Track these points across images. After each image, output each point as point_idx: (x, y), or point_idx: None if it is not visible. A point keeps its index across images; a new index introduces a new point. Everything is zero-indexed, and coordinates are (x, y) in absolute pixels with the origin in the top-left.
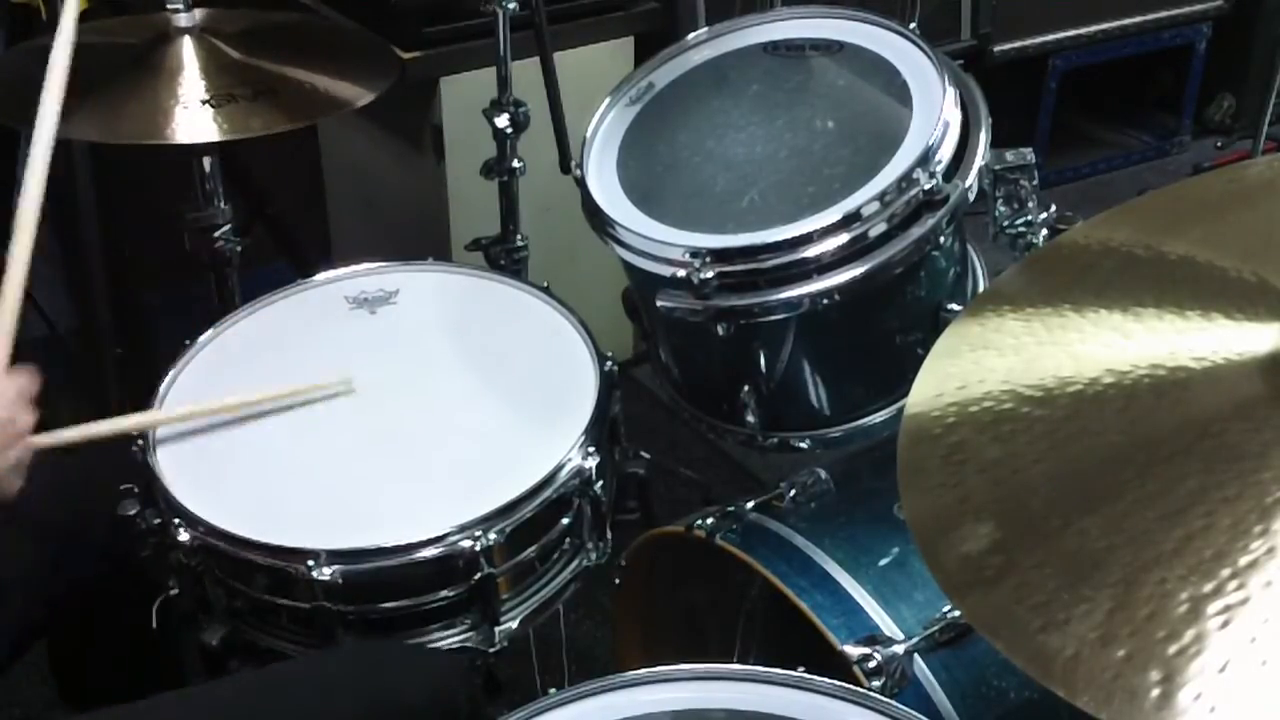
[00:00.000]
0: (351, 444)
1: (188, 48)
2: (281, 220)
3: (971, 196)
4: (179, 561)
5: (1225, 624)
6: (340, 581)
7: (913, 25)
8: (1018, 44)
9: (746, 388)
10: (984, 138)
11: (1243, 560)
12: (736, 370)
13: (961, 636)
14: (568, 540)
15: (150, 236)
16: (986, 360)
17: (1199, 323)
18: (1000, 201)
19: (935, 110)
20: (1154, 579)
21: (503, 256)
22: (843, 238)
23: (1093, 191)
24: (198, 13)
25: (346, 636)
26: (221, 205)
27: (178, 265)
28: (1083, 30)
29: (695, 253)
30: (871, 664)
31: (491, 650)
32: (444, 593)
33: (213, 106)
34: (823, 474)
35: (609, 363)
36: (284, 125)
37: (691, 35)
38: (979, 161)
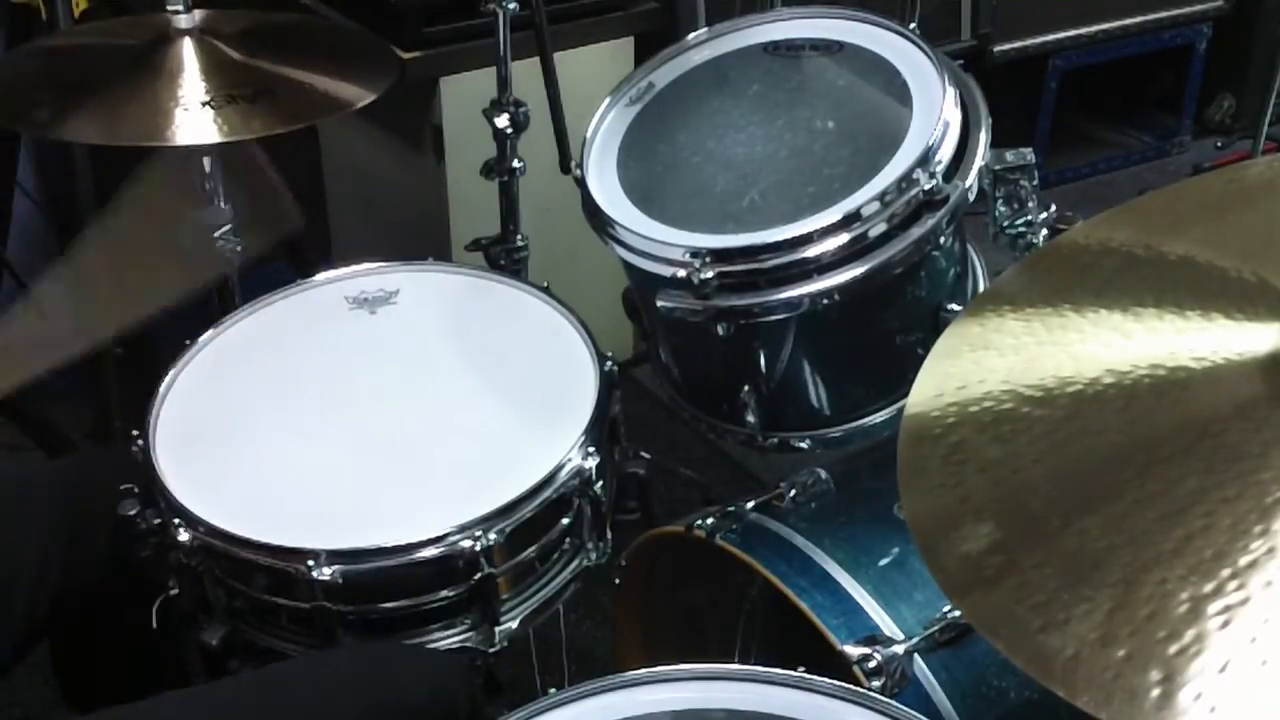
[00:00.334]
0: (351, 444)
1: (188, 49)
2: None
3: (971, 196)
4: (179, 561)
5: (1225, 624)
6: (340, 581)
7: (913, 25)
8: (1018, 44)
9: (746, 388)
10: (984, 138)
11: (1243, 560)
12: (736, 370)
13: (961, 636)
14: (568, 540)
15: None
16: (986, 360)
17: (1199, 323)
18: (1000, 201)
19: (935, 110)
20: (1154, 579)
21: (503, 256)
22: (843, 238)
23: (1093, 191)
24: (198, 13)
25: (346, 636)
26: (222, 205)
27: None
28: (1083, 30)
29: (695, 253)
30: (871, 664)
31: (491, 650)
32: (444, 593)
33: (213, 108)
34: (823, 474)
35: (609, 363)
36: (284, 126)
37: (691, 35)
38: (979, 161)
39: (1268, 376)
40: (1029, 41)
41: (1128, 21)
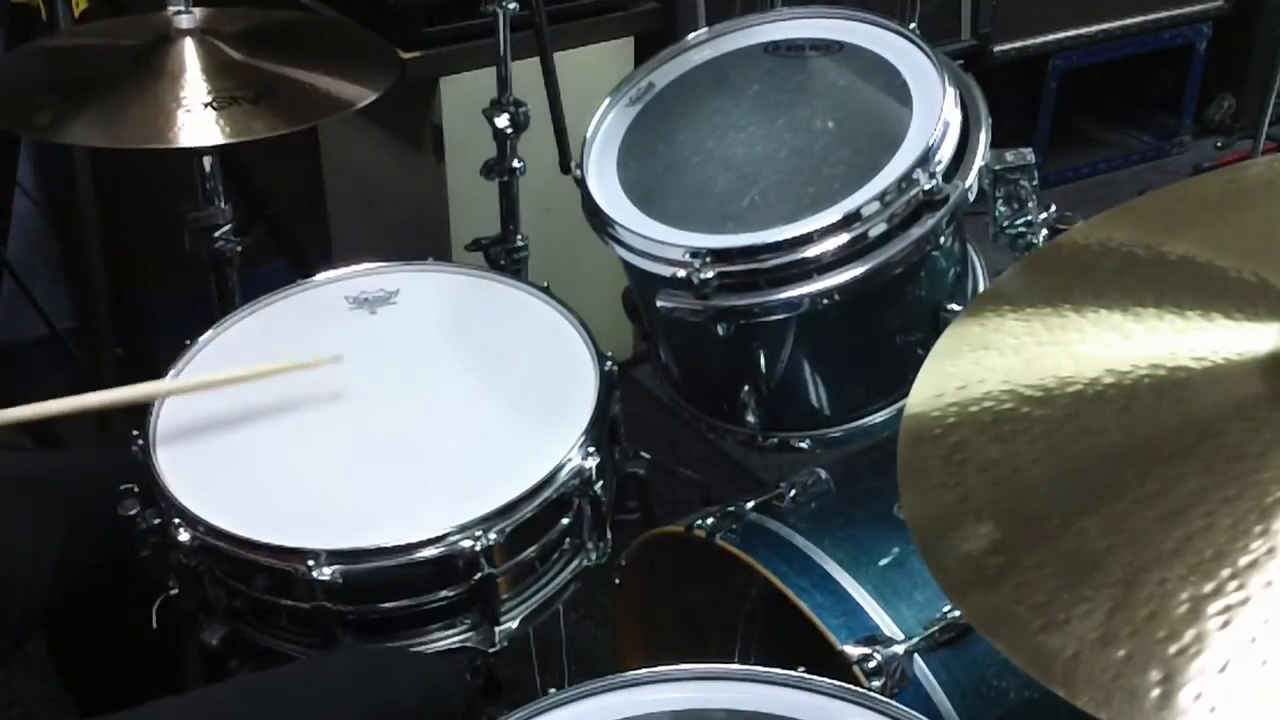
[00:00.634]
0: (351, 444)
1: (189, 49)
2: (281, 220)
3: (971, 196)
4: (179, 561)
5: (1225, 624)
6: (340, 581)
7: (913, 25)
8: (1018, 44)
9: (746, 388)
10: (984, 138)
11: (1243, 560)
12: (736, 370)
13: (961, 636)
14: (568, 540)
15: (150, 236)
16: (986, 360)
17: (1199, 323)
18: (1000, 201)
19: (935, 110)
20: (1154, 579)
21: (503, 256)
22: (843, 238)
23: (1093, 191)
24: (198, 13)
25: (346, 636)
26: (222, 205)
27: (178, 265)
28: (1083, 30)
29: (695, 253)
30: (871, 664)
31: (491, 650)
32: (444, 593)
33: (215, 109)
34: (823, 474)
35: (609, 363)
36: (285, 127)
37: (691, 35)
38: (979, 161)
39: (1268, 376)
40: (1029, 41)
41: (1128, 21)
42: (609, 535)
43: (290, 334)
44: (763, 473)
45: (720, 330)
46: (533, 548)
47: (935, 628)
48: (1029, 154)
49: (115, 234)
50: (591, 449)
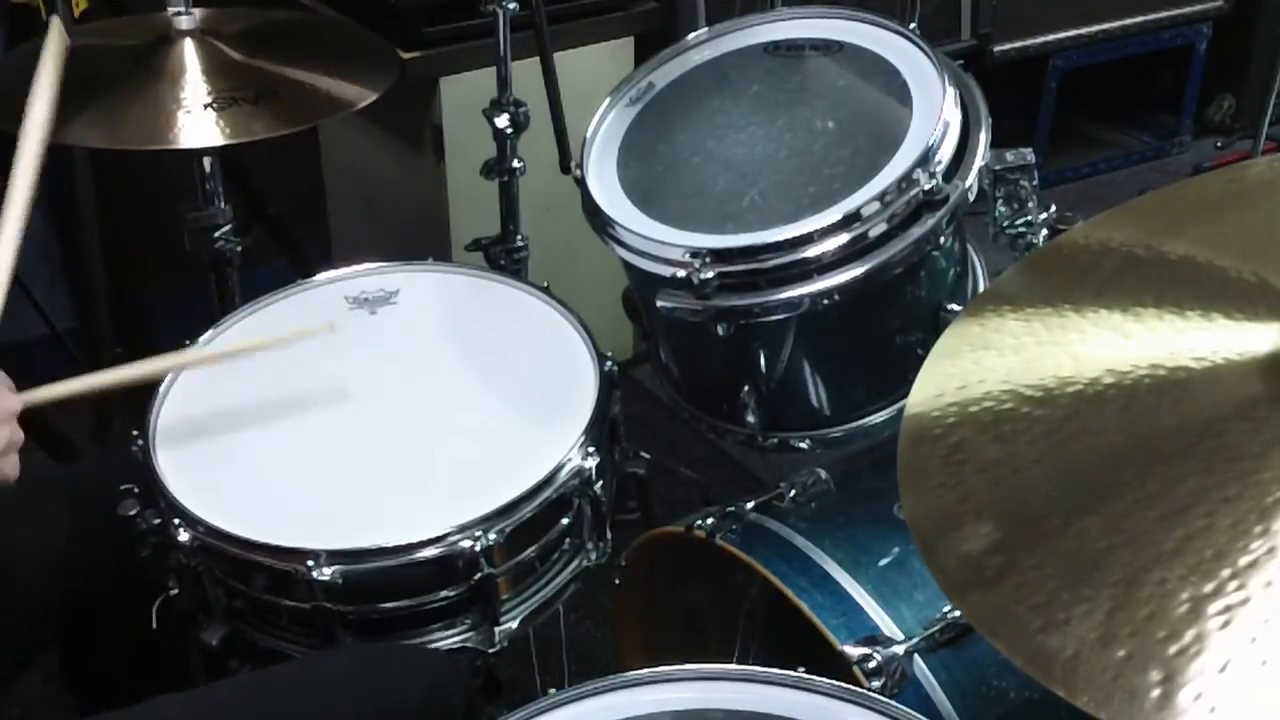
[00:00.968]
0: (351, 444)
1: (189, 49)
2: (281, 220)
3: (971, 196)
4: (179, 561)
5: (1225, 624)
6: (340, 581)
7: (913, 25)
8: (1018, 44)
9: (746, 388)
10: (984, 138)
11: (1243, 560)
12: (736, 370)
13: (961, 636)
14: (568, 540)
15: (150, 236)
16: (986, 360)
17: (1199, 323)
18: (1000, 201)
19: (935, 110)
20: (1154, 579)
21: (503, 256)
22: (843, 238)
23: (1093, 191)
24: (198, 13)
25: (346, 636)
26: (221, 205)
27: (178, 265)
28: (1083, 30)
29: (695, 253)
30: (871, 664)
31: (491, 650)
32: (444, 593)
33: (215, 110)
34: (823, 474)
35: (609, 363)
36: (285, 128)
37: (691, 35)
38: (979, 161)
39: (1268, 376)
40: (1029, 41)
41: (1128, 21)
42: (609, 535)
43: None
44: (763, 473)
45: (720, 330)
46: (533, 548)
47: (935, 628)
48: (1029, 154)
49: (115, 234)
50: (591, 449)
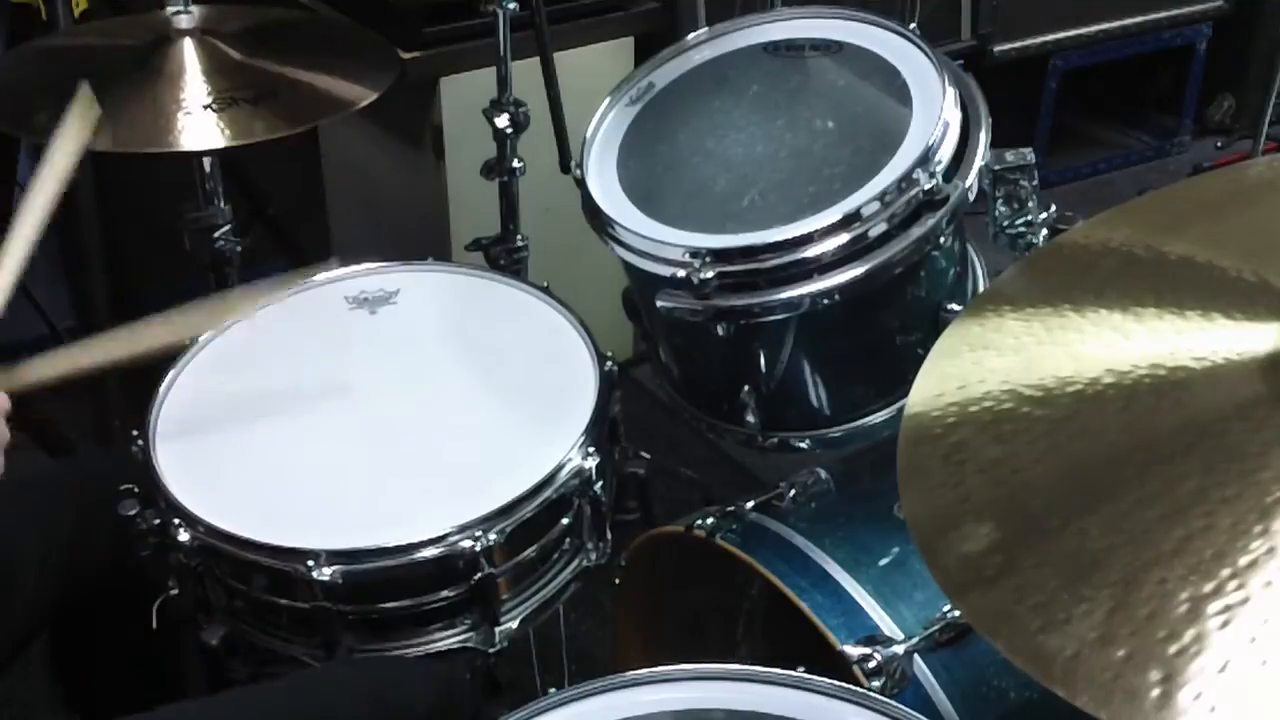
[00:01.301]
0: (351, 444)
1: (189, 50)
2: (281, 220)
3: (971, 196)
4: (179, 561)
5: (1225, 624)
6: (340, 581)
7: (913, 25)
8: (1018, 44)
9: (746, 388)
10: (984, 138)
11: (1243, 560)
12: (736, 370)
13: (961, 636)
14: (568, 540)
15: (150, 236)
16: (986, 360)
17: (1199, 323)
18: (1000, 201)
19: (935, 110)
20: (1154, 579)
21: (503, 256)
22: (843, 238)
23: (1093, 191)
24: (198, 13)
25: (346, 636)
26: (221, 205)
27: (178, 265)
28: (1083, 30)
29: (695, 253)
30: (871, 664)
31: (491, 650)
32: (444, 593)
33: (215, 111)
34: (823, 474)
35: (609, 363)
36: (285, 128)
37: (691, 35)
38: (979, 161)
39: (1268, 376)
40: (1029, 41)
41: (1128, 21)
42: (609, 535)
43: (290, 334)
44: (763, 473)
45: (720, 330)
46: (533, 548)
47: (935, 628)
48: (1029, 154)
49: (115, 234)
50: (591, 449)
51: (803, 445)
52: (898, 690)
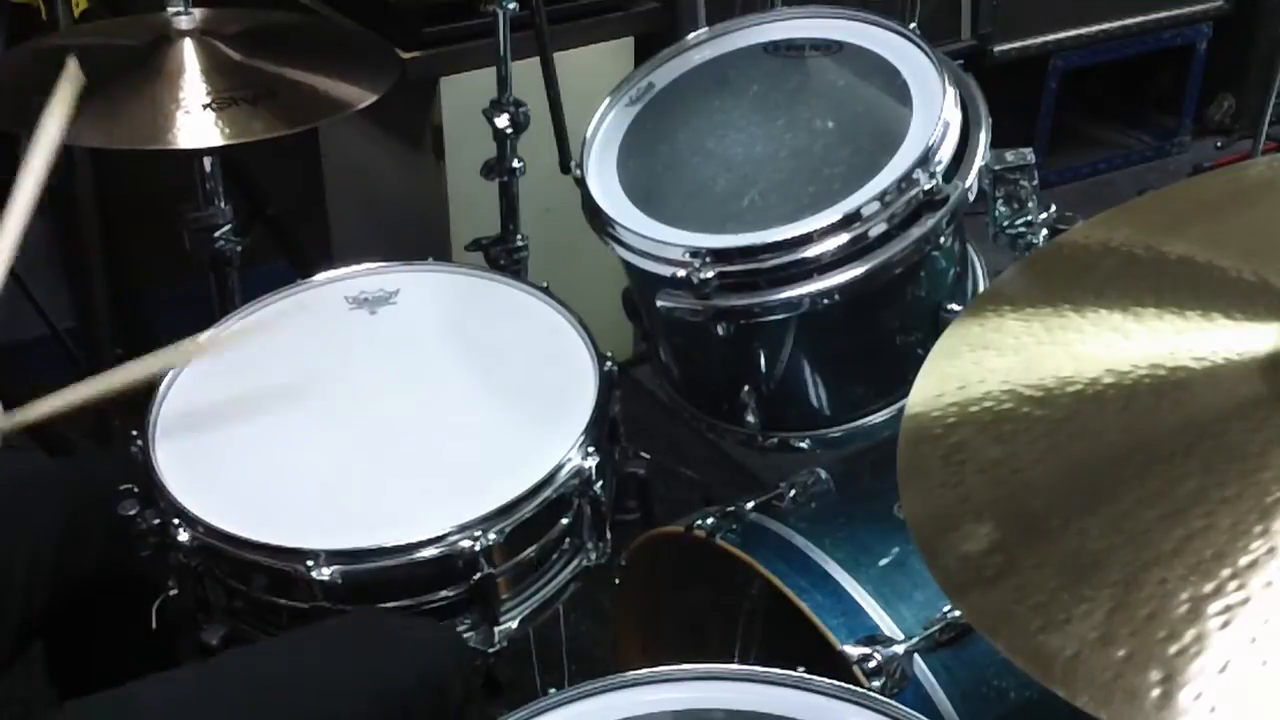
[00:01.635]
0: (351, 444)
1: (188, 50)
2: (281, 220)
3: (971, 196)
4: (179, 561)
5: (1225, 624)
6: (340, 581)
7: (913, 25)
8: (1018, 44)
9: (746, 388)
10: (984, 138)
11: (1243, 560)
12: (736, 370)
13: (961, 636)
14: (568, 540)
15: (150, 236)
16: (986, 360)
17: (1199, 323)
18: (1000, 201)
19: (935, 110)
20: (1154, 579)
21: (503, 256)
22: (843, 238)
23: (1093, 191)
24: (198, 14)
25: None
26: (222, 205)
27: (178, 265)
28: (1083, 30)
29: (695, 253)
30: (871, 664)
31: (491, 650)
32: (444, 593)
33: (214, 110)
34: (823, 474)
35: (609, 363)
36: (285, 128)
37: (691, 35)
38: (979, 161)
39: (1268, 376)
40: (1029, 41)
41: (1128, 21)
42: (609, 535)
43: (290, 334)
44: (763, 473)
45: (720, 330)
46: (532, 548)
47: (935, 628)
48: (1029, 154)
49: (115, 234)
50: (591, 449)
51: (803, 445)
52: (898, 690)
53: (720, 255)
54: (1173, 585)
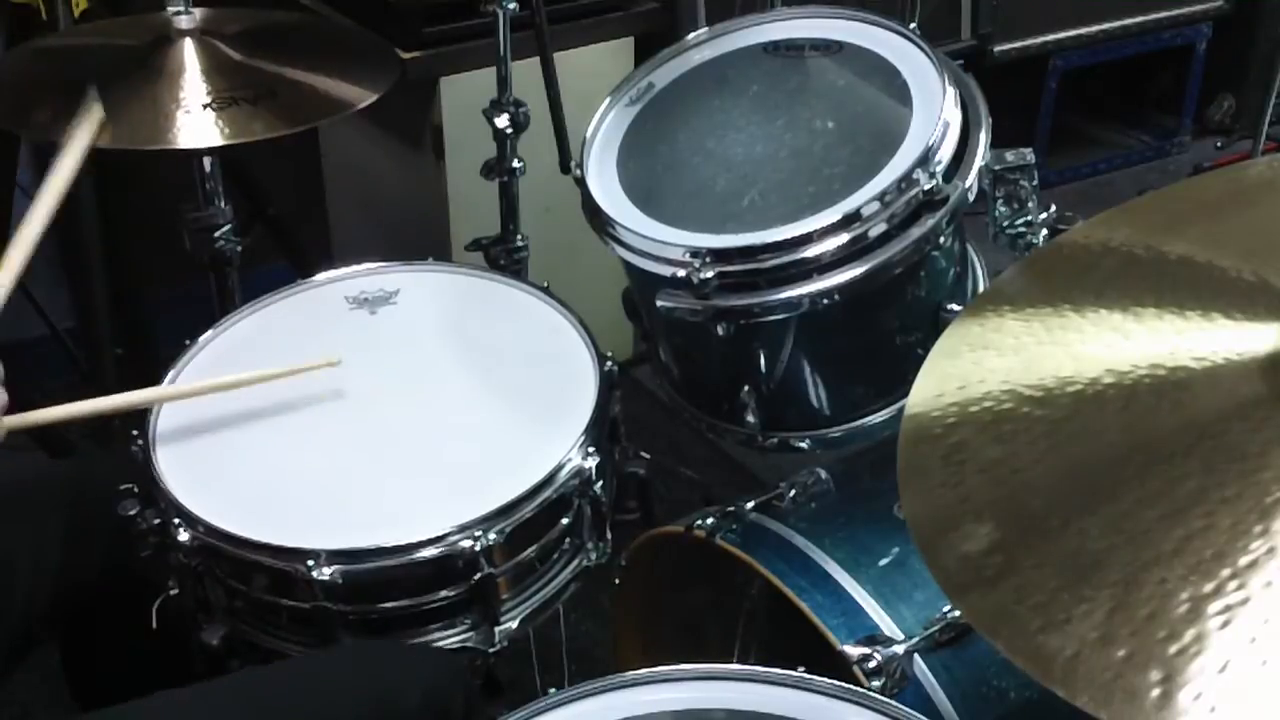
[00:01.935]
0: (351, 444)
1: (189, 49)
2: (281, 220)
3: (971, 196)
4: (179, 561)
5: (1225, 624)
6: (340, 581)
7: (913, 25)
8: (1018, 44)
9: (746, 388)
10: (984, 138)
11: (1243, 560)
12: (736, 370)
13: (961, 636)
14: (568, 540)
15: (150, 236)
16: (986, 360)
17: (1199, 323)
18: (1000, 201)
19: (935, 110)
20: (1154, 579)
21: (503, 256)
22: (843, 238)
23: (1093, 191)
24: (198, 13)
25: (346, 636)
26: (222, 205)
27: (178, 265)
28: (1083, 30)
29: (695, 253)
30: (871, 664)
31: (491, 650)
32: (444, 593)
33: (214, 110)
34: (823, 474)
35: (609, 363)
36: (285, 128)
37: (691, 35)
38: (979, 161)
39: (1268, 376)
40: (1029, 41)
41: (1128, 21)
42: (609, 535)
43: (290, 334)
44: (763, 473)
45: (720, 330)
46: (532, 548)
47: (935, 628)
48: (1029, 154)
49: (115, 234)
50: (591, 449)
51: (803, 445)
52: (898, 690)
53: (720, 255)
54: (1173, 585)
